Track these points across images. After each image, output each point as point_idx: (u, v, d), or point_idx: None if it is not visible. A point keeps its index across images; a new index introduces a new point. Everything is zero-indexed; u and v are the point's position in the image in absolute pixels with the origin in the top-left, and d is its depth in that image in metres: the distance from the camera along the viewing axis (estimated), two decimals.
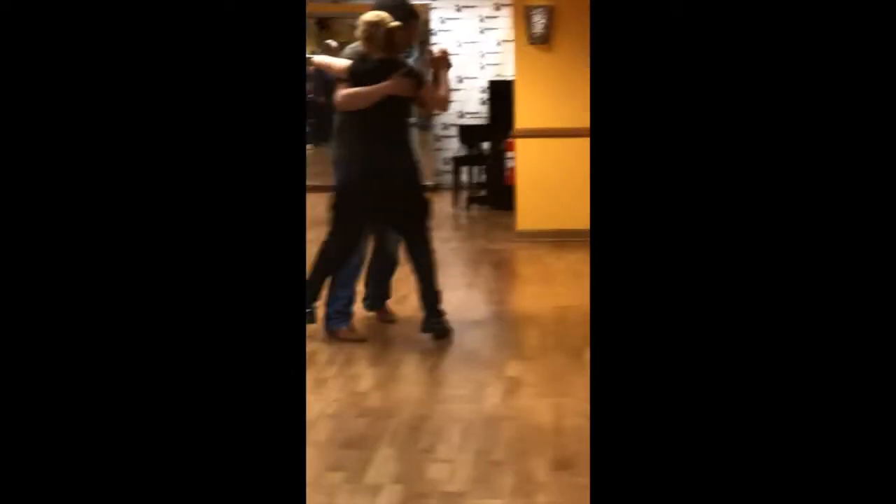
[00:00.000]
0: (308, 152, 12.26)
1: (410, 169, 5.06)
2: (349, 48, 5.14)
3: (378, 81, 4.91)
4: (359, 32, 4.98)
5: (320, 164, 11.43)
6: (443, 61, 5.11)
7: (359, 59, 4.98)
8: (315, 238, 7.93)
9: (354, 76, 4.93)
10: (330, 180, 5.27)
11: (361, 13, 5.06)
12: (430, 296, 5.13)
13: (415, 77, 4.99)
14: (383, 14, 4.96)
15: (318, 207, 5.06)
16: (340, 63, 5.03)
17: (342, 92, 4.98)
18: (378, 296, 5.53)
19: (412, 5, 5.26)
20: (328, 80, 5.31)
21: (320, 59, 5.13)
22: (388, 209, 5.04)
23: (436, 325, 5.13)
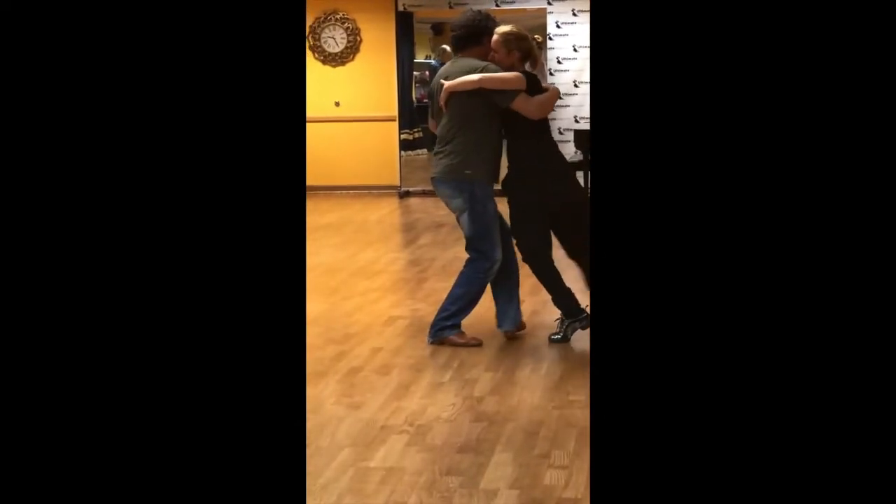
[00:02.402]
0: (423, 157, 12.34)
1: None
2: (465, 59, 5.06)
3: (530, 93, 4.96)
4: (505, 43, 4.99)
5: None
6: None
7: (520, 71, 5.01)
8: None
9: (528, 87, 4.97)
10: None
11: None
12: (567, 297, 5.21)
13: None
14: (520, 28, 5.11)
15: (437, 210, 5.13)
16: (514, 75, 4.93)
17: (534, 101, 4.93)
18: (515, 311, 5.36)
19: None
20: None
21: (489, 76, 4.92)
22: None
23: (583, 320, 5.21)
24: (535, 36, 5.23)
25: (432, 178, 5.19)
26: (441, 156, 5.10)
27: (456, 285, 5.18)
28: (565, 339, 5.18)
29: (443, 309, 5.19)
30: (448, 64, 5.20)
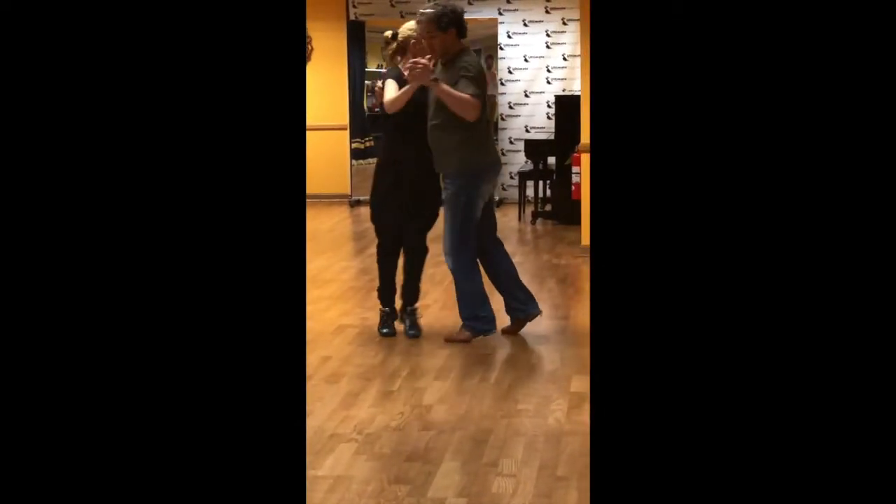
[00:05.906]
0: (374, 165, 12.31)
1: None
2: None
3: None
4: None
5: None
6: None
7: None
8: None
9: None
10: None
11: None
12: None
13: None
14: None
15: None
16: None
17: None
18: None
19: None
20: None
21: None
22: None
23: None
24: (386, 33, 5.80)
25: (495, 163, 5.50)
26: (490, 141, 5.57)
27: (510, 266, 5.48)
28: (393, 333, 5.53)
29: (521, 291, 5.47)
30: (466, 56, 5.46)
